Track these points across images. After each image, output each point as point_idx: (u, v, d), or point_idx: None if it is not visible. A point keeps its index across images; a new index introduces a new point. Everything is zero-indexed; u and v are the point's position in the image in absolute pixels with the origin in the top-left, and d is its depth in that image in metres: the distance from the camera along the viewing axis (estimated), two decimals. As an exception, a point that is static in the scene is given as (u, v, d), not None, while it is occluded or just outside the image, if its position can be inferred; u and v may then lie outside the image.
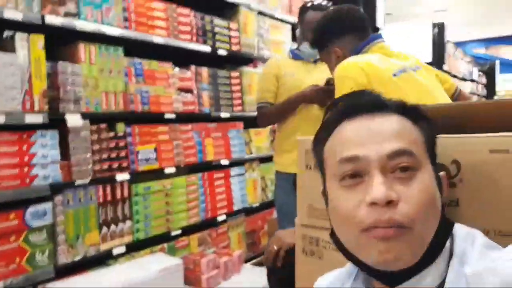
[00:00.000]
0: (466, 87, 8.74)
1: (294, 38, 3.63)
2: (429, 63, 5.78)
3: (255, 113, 3.24)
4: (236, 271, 2.73)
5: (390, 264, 0.65)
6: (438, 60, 7.04)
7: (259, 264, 3.24)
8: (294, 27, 3.61)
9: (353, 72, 1.38)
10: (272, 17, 3.39)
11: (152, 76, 2.57)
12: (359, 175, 0.66)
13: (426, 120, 0.73)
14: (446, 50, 7.41)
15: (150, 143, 2.56)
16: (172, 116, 2.65)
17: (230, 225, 3.16)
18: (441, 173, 0.73)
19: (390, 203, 0.63)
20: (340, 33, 1.61)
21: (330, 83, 2.19)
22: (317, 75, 2.40)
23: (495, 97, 10.62)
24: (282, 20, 3.48)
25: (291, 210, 2.27)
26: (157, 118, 2.60)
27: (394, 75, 1.40)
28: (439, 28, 7.03)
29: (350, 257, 0.70)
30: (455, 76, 8.12)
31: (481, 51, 11.68)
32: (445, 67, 7.23)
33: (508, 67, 10.73)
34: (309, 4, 2.49)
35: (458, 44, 8.98)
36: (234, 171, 3.17)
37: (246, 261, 3.10)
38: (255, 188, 3.32)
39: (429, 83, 1.46)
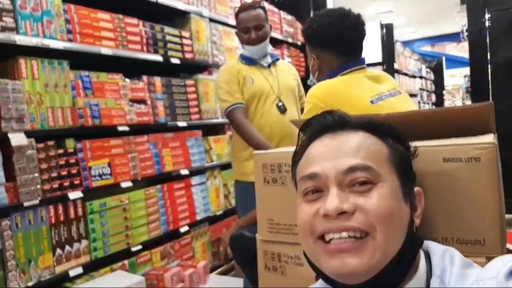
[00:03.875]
0: (416, 84, 9.08)
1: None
2: (380, 63, 5.93)
3: (213, 120, 3.24)
4: (202, 282, 2.67)
5: (347, 278, 0.65)
6: (388, 59, 7.27)
7: (226, 272, 3.19)
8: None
9: (323, 100, 1.35)
10: (224, 23, 3.36)
11: (101, 89, 2.47)
12: (320, 190, 0.69)
13: (395, 136, 0.74)
14: (395, 49, 7.67)
15: (103, 157, 2.46)
16: (126, 128, 2.56)
17: (194, 235, 3.10)
18: (416, 189, 0.73)
19: (343, 214, 0.65)
20: (322, 46, 1.55)
21: None
22: (273, 81, 2.38)
23: (444, 91, 11.10)
24: (234, 27, 3.46)
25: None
26: (109, 132, 2.50)
27: (372, 102, 1.37)
28: (387, 29, 7.26)
29: (317, 271, 0.71)
30: (405, 74, 8.41)
31: (427, 48, 12.18)
32: (395, 65, 7.48)
33: (454, 63, 11.25)
34: (237, 9, 2.45)
35: (406, 43, 9.32)
36: (195, 180, 3.12)
37: (212, 270, 3.05)
38: (217, 196, 3.27)
39: (407, 108, 1.44)
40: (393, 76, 7.46)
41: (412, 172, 0.74)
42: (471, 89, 4.02)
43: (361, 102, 1.36)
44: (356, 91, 1.39)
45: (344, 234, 0.65)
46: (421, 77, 9.69)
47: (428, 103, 9.80)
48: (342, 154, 0.69)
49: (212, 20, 3.22)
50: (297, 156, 0.78)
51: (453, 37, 13.23)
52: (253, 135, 2.20)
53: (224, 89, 2.35)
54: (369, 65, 7.27)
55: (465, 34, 4.77)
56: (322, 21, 1.53)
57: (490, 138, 0.79)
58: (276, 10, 4.09)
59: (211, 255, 3.23)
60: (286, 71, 2.50)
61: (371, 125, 0.73)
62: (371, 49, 7.13)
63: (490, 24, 3.93)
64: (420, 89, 9.14)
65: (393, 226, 0.66)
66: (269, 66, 2.43)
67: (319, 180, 0.69)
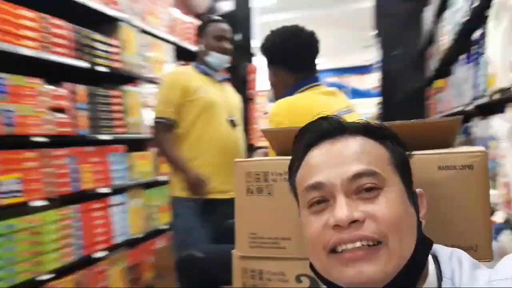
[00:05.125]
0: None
1: (178, 58, 3.53)
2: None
3: (139, 135, 3.04)
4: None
5: (363, 286, 0.63)
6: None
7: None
8: (177, 47, 3.51)
9: (285, 116, 1.36)
10: (154, 35, 3.22)
11: (17, 93, 2.17)
12: (326, 201, 0.67)
13: (393, 138, 0.73)
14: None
15: (13, 172, 2.15)
16: (42, 139, 2.27)
17: (111, 261, 2.83)
18: (418, 190, 0.73)
19: (354, 223, 0.63)
20: (277, 63, 1.57)
21: None
22: (225, 96, 2.37)
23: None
24: (164, 39, 3.34)
25: (198, 242, 2.08)
26: (23, 142, 2.20)
27: None
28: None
29: (330, 285, 0.68)
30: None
31: (334, 79, 13.05)
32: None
33: (357, 93, 12.19)
34: (207, 19, 2.50)
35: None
36: (115, 199, 2.87)
37: (129, 300, 2.80)
38: (138, 217, 3.04)
39: None
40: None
41: (411, 173, 0.74)
42: (383, 116, 4.37)
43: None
44: (316, 108, 1.40)
45: (358, 244, 0.63)
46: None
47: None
48: (346, 161, 0.67)
49: (142, 30, 3.07)
50: (294, 166, 0.75)
51: (357, 70, 14.48)
52: (172, 153, 2.26)
53: (159, 96, 2.34)
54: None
55: (375, 66, 5.18)
56: (275, 39, 1.57)
57: (481, 147, 0.82)
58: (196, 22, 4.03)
59: (128, 282, 2.97)
60: (232, 92, 2.55)
61: (369, 129, 0.72)
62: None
63: (398, 59, 4.32)
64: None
65: (405, 231, 0.65)
66: (220, 82, 2.44)
67: (325, 189, 0.67)
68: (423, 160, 0.82)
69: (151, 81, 3.17)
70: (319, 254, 0.66)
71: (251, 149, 4.48)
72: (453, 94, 2.53)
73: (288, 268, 0.89)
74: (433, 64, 3.51)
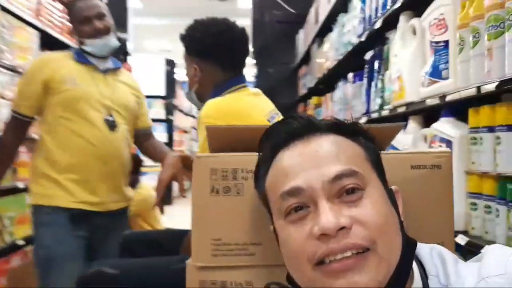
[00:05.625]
0: (189, 121, 9.58)
1: (42, 46, 3.07)
2: (162, 97, 6.10)
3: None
4: None
5: None
6: (169, 94, 7.45)
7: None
8: (42, 33, 3.05)
9: (220, 118, 1.25)
10: (20, 18, 2.73)
11: None
12: (305, 207, 0.61)
13: (364, 134, 0.70)
14: (176, 86, 7.92)
15: None
16: None
17: None
18: (393, 187, 0.71)
19: (341, 230, 0.58)
20: (206, 57, 1.43)
21: None
22: (106, 90, 1.86)
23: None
24: (30, 24, 2.87)
25: (68, 258, 1.73)
26: None
27: (268, 120, 1.33)
28: (171, 66, 7.47)
29: None
30: (181, 111, 8.76)
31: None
32: (174, 101, 7.72)
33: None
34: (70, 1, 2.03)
35: (184, 83, 9.80)
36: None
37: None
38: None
39: None
40: (171, 112, 7.65)
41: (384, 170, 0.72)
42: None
43: (259, 120, 1.31)
44: (251, 109, 1.34)
45: (348, 253, 0.58)
46: (193, 116, 10.27)
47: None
48: (323, 162, 0.62)
49: (5, 9, 2.57)
50: (261, 170, 0.69)
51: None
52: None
53: (18, 86, 1.92)
54: (151, 97, 7.25)
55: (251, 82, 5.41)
56: (208, 30, 1.43)
57: (446, 149, 0.86)
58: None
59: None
60: (128, 84, 2.01)
61: (341, 126, 0.68)
62: (154, 83, 7.16)
63: (274, 75, 4.55)
64: (192, 127, 9.67)
65: (392, 234, 0.62)
66: (105, 72, 1.92)
67: (304, 195, 0.60)
68: (397, 159, 0.83)
69: (11, 69, 2.67)
70: (303, 267, 0.59)
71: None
72: (337, 109, 2.73)
73: (257, 276, 0.79)
74: (309, 82, 3.77)
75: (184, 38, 1.48)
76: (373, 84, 1.98)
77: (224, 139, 0.94)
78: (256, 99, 1.43)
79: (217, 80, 1.43)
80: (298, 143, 0.65)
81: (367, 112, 2.06)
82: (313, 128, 0.66)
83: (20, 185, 2.69)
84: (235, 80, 1.44)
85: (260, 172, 0.69)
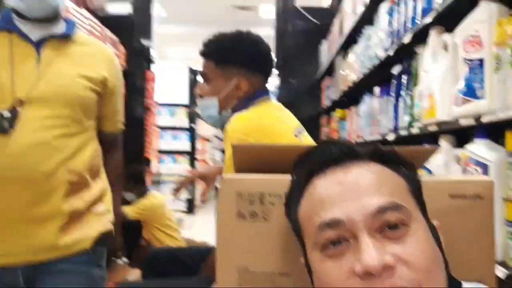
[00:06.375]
0: (212, 129, 9.61)
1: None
2: (185, 105, 6.16)
3: None
4: None
5: None
6: (192, 102, 7.51)
7: None
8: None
9: (249, 134, 1.21)
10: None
11: None
12: (344, 240, 0.58)
13: (406, 164, 0.66)
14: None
15: None
16: None
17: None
18: (435, 222, 0.66)
19: (385, 269, 0.54)
20: (253, 67, 1.39)
21: None
22: (28, 71, 1.20)
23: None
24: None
25: None
26: None
27: (295, 135, 1.31)
28: (194, 74, 7.53)
29: None
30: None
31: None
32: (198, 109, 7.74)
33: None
34: None
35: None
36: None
37: None
38: None
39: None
40: (194, 121, 7.70)
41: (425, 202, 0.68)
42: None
43: (287, 135, 1.28)
44: (278, 125, 1.31)
45: None
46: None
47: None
48: (364, 193, 0.58)
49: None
50: (293, 196, 0.66)
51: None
52: None
53: None
54: (174, 105, 7.32)
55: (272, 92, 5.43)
56: (239, 39, 1.41)
57: (487, 177, 0.81)
58: (98, 23, 3.66)
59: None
60: (83, 63, 1.27)
61: (381, 154, 0.65)
62: (179, 90, 7.24)
63: (297, 86, 4.53)
64: (215, 136, 9.69)
65: (438, 277, 0.58)
66: (39, 43, 1.22)
67: (343, 228, 0.57)
68: (434, 186, 0.78)
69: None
70: None
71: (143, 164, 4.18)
72: (363, 124, 2.68)
73: (285, 309, 0.76)
74: (333, 94, 3.72)
75: (218, 47, 1.42)
76: (400, 99, 1.93)
77: (251, 158, 0.92)
78: (281, 114, 1.40)
79: (245, 89, 1.39)
80: (336, 171, 0.61)
81: (396, 129, 2.00)
82: (352, 154, 0.63)
83: None
84: (262, 91, 1.41)
85: (293, 198, 0.66)
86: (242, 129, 1.23)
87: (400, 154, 0.66)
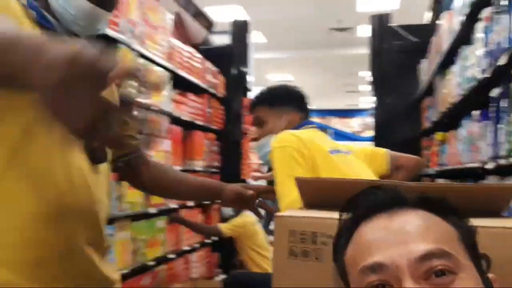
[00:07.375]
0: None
1: (174, 86, 3.42)
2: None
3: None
4: None
5: None
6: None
7: None
8: (174, 75, 3.41)
9: (293, 141, 1.39)
10: (151, 60, 3.10)
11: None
12: (387, 285, 0.57)
13: (456, 213, 0.63)
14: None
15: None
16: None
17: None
18: (491, 276, 0.61)
19: None
20: (284, 101, 1.65)
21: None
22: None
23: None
24: (161, 66, 3.24)
25: None
26: None
27: (330, 152, 1.46)
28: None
29: None
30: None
31: (317, 120, 13.31)
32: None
33: (338, 136, 12.40)
34: None
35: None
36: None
37: None
38: (125, 251, 2.81)
39: (358, 166, 1.53)
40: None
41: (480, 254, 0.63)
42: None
43: (322, 149, 1.43)
44: (317, 139, 1.48)
45: None
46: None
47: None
48: (410, 238, 0.58)
49: (141, 55, 2.95)
50: (341, 241, 0.66)
51: (337, 112, 14.86)
52: None
53: None
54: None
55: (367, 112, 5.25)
56: (281, 86, 1.75)
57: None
58: (199, 56, 3.97)
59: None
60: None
61: (431, 201, 0.63)
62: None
63: (393, 106, 4.35)
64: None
65: None
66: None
67: (387, 272, 0.56)
68: (506, 233, 0.71)
69: (145, 107, 3.03)
70: None
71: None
72: (463, 149, 2.48)
73: None
74: (433, 115, 3.50)
75: (266, 94, 1.71)
76: (500, 125, 1.76)
77: (314, 191, 0.95)
78: (323, 135, 1.59)
79: (294, 122, 1.62)
80: (383, 216, 0.62)
81: (496, 157, 1.83)
82: (400, 201, 0.63)
83: (152, 210, 3.00)
84: (306, 121, 1.64)
85: (340, 242, 0.66)
86: (286, 139, 1.41)
87: (449, 202, 0.63)
